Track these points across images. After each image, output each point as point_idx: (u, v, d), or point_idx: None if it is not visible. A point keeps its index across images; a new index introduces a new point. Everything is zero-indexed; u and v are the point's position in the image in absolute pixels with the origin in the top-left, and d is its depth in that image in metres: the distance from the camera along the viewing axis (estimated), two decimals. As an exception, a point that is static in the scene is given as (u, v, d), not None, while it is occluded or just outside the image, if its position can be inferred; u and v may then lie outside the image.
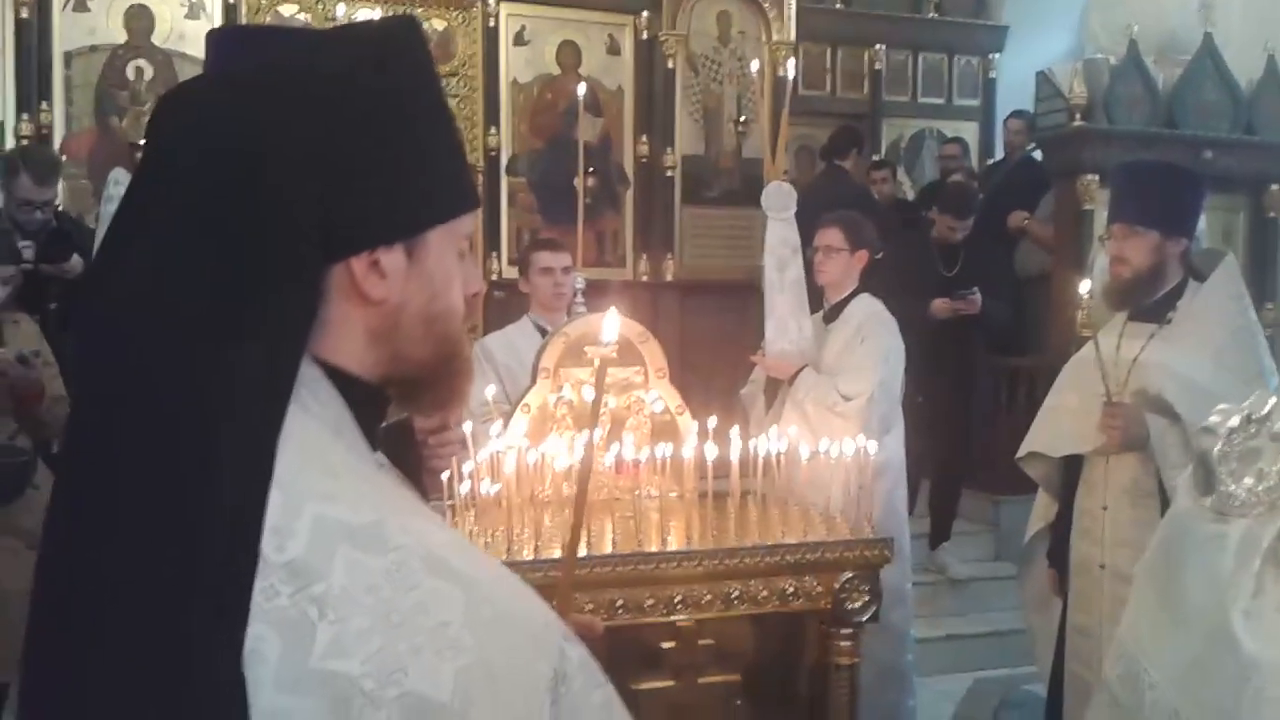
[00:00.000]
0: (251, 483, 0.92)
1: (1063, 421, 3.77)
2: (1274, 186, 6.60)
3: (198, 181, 0.97)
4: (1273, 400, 1.81)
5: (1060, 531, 3.80)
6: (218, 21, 6.56)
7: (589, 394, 3.68)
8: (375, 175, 1.05)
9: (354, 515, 0.95)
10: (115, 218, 1.00)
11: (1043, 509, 3.99)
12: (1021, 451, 3.91)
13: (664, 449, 3.32)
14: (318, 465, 0.98)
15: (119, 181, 1.75)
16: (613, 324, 1.59)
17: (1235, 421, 1.78)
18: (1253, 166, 6.37)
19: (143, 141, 1.06)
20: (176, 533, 0.89)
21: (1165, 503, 3.35)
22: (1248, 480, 1.77)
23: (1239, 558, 1.74)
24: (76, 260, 4.78)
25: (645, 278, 7.25)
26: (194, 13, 6.58)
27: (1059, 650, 3.81)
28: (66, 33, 6.44)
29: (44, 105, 6.37)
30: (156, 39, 6.52)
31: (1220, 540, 1.77)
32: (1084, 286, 3.48)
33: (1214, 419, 1.80)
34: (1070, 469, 3.77)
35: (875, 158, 9.08)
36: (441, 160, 1.12)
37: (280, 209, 0.98)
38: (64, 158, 6.10)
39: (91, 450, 0.94)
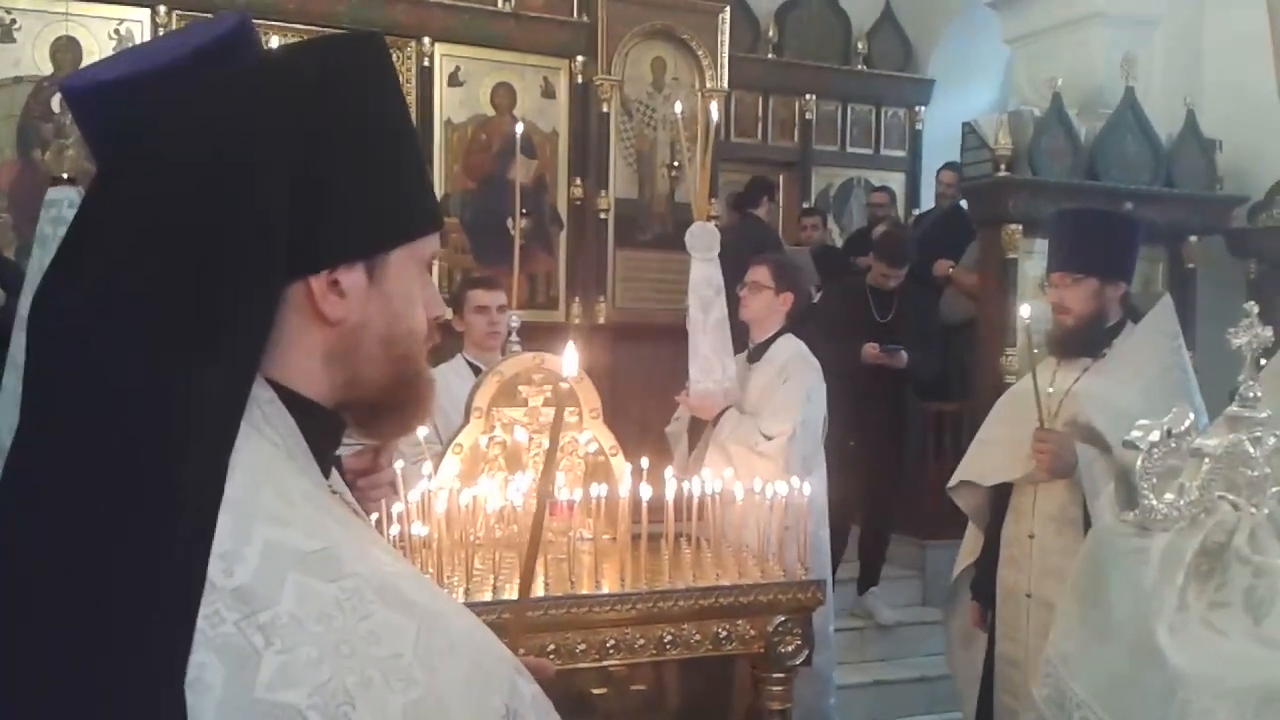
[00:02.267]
0: (200, 505, 0.89)
1: (994, 452, 3.80)
2: (1193, 238, 6.76)
3: (162, 194, 0.94)
4: (1191, 416, 1.84)
5: (985, 564, 3.82)
6: (147, 55, 6.45)
7: (521, 435, 3.65)
8: (340, 191, 1.02)
9: (305, 541, 0.93)
10: (73, 228, 0.96)
11: (971, 543, 4.01)
12: (953, 481, 3.95)
13: (598, 490, 3.29)
14: (269, 489, 0.95)
15: (71, 203, 1.70)
16: (572, 358, 1.57)
17: (1156, 436, 1.80)
18: (1172, 218, 6.50)
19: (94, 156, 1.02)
20: (120, 554, 0.86)
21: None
22: (1168, 495, 1.80)
23: (1162, 571, 1.77)
24: (-1, 293, 4.67)
25: (577, 320, 7.23)
26: (123, 45, 6.47)
27: (984, 686, 3.82)
28: (-10, 64, 6.31)
29: (-36, 137, 6.23)
30: (83, 71, 6.39)
31: (1142, 554, 1.79)
32: (1024, 310, 3.51)
33: (1135, 434, 1.82)
34: (999, 501, 3.79)
35: (805, 205, 9.20)
36: (406, 177, 1.10)
37: (249, 223, 0.95)
38: (-15, 191, 5.98)
39: (39, 461, 0.89)
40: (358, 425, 1.14)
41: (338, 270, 1.03)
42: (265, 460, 0.97)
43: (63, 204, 1.76)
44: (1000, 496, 3.79)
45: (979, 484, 3.87)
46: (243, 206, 0.95)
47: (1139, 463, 1.79)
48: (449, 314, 1.20)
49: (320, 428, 1.07)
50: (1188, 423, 1.83)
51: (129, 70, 1.73)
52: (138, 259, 0.92)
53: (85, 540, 0.86)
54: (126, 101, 1.65)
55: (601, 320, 7.21)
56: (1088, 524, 3.39)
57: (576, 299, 7.31)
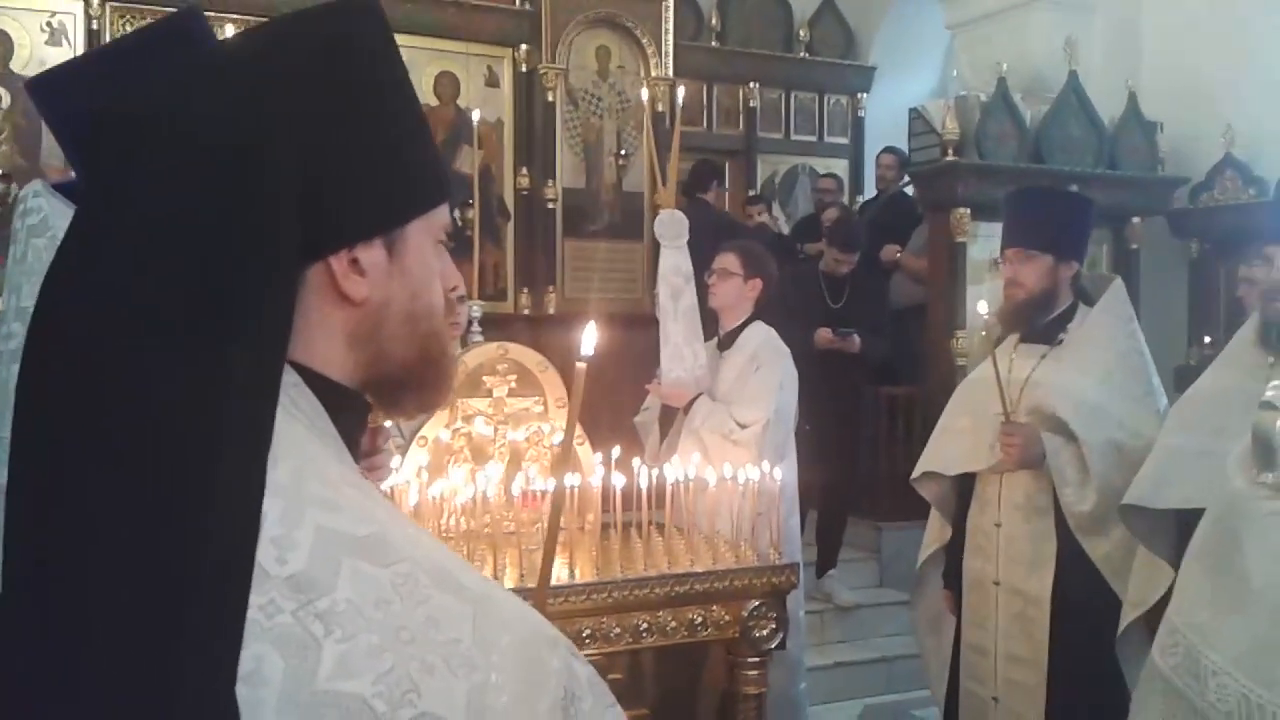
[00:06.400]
0: (245, 491, 0.85)
1: (957, 441, 3.81)
2: (1135, 219, 6.87)
3: (171, 179, 0.89)
4: None
5: (956, 551, 3.83)
6: (80, 47, 6.30)
7: (483, 427, 3.61)
8: (354, 166, 0.98)
9: (356, 526, 0.89)
10: (77, 223, 0.90)
11: (936, 530, 4.01)
12: (916, 472, 3.94)
13: (569, 479, 3.25)
14: (314, 473, 0.91)
15: (39, 194, 1.64)
16: (590, 337, 1.54)
17: None
18: (1115, 199, 6.59)
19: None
20: (164, 545, 0.81)
21: (1060, 518, 3.43)
22: None
23: None
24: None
25: (527, 311, 7.18)
26: (55, 39, 6.31)
27: (953, 670, 3.84)
28: (-81, 58, 6.13)
29: (-107, 132, 6.05)
30: (15, 65, 6.22)
31: None
32: (981, 306, 3.51)
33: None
34: (963, 489, 3.81)
35: (751, 193, 9.22)
36: (416, 146, 1.06)
37: (263, 205, 0.90)
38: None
39: (62, 460, 0.83)
40: (381, 403, 1.11)
41: (356, 248, 1.00)
42: (304, 443, 0.93)
43: (27, 197, 1.70)
44: (964, 484, 3.79)
45: (943, 474, 3.87)
46: (254, 192, 0.90)
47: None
48: (463, 283, 1.18)
49: (347, 411, 1.04)
50: None
51: (93, 55, 1.67)
52: (152, 251, 0.88)
53: (125, 534, 0.81)
54: (93, 83, 1.59)
55: (551, 310, 7.15)
56: (1058, 510, 3.43)
57: (525, 290, 7.26)
